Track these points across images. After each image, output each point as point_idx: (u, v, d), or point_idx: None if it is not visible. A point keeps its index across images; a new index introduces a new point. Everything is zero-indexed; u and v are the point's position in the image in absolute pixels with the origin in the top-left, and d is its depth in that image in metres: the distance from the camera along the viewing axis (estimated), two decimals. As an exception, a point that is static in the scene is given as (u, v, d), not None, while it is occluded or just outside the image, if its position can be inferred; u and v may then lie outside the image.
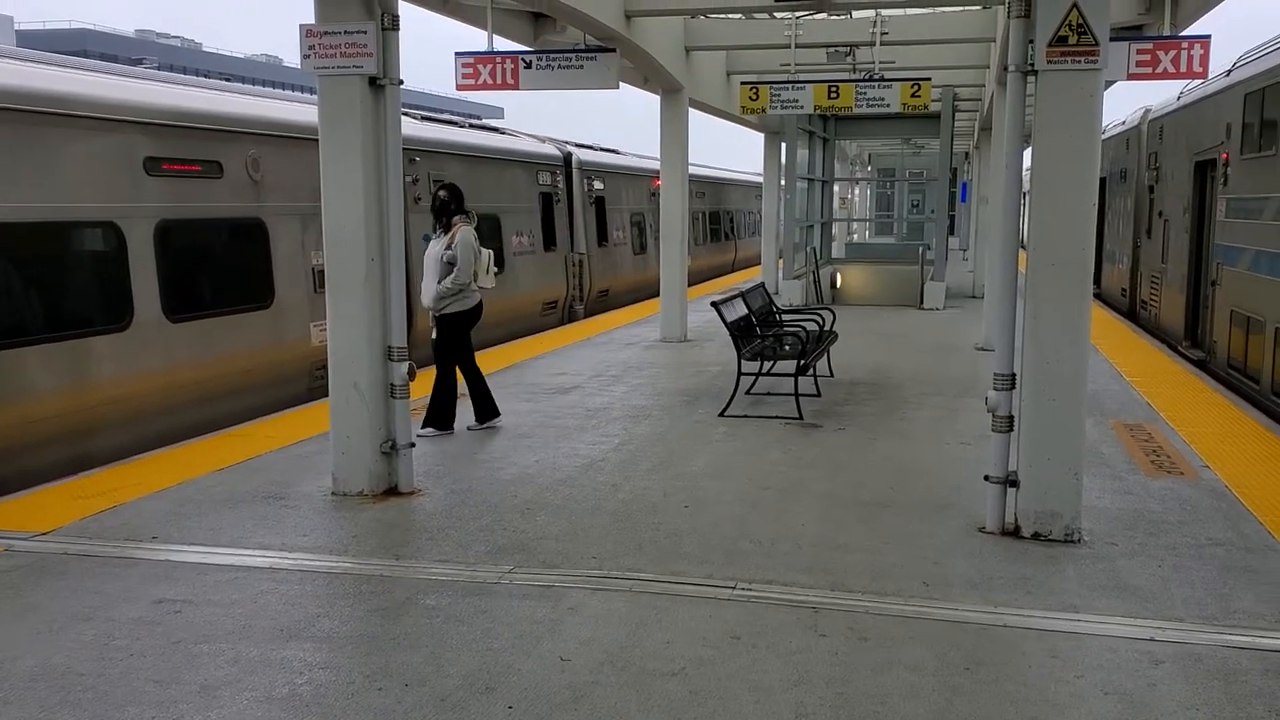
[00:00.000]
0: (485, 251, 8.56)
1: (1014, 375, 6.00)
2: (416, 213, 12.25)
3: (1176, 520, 6.26)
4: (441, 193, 8.48)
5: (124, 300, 8.43)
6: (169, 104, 9.11)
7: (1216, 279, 13.29)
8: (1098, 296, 21.69)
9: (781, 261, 20.57)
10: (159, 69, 12.24)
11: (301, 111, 10.72)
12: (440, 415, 8.64)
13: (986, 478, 6.08)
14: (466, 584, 5.29)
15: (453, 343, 8.58)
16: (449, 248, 8.32)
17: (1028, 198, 6.24)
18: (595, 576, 5.38)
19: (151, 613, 4.92)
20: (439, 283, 8.32)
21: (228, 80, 12.63)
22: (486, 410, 8.87)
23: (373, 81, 6.61)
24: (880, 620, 4.83)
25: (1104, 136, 21.90)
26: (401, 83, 6.75)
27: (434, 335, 8.60)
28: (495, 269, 8.69)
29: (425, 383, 10.78)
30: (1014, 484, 5.99)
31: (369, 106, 6.63)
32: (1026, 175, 6.21)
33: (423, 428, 8.47)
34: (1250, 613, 4.91)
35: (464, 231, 8.37)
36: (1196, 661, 4.40)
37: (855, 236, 32.68)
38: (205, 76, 12.84)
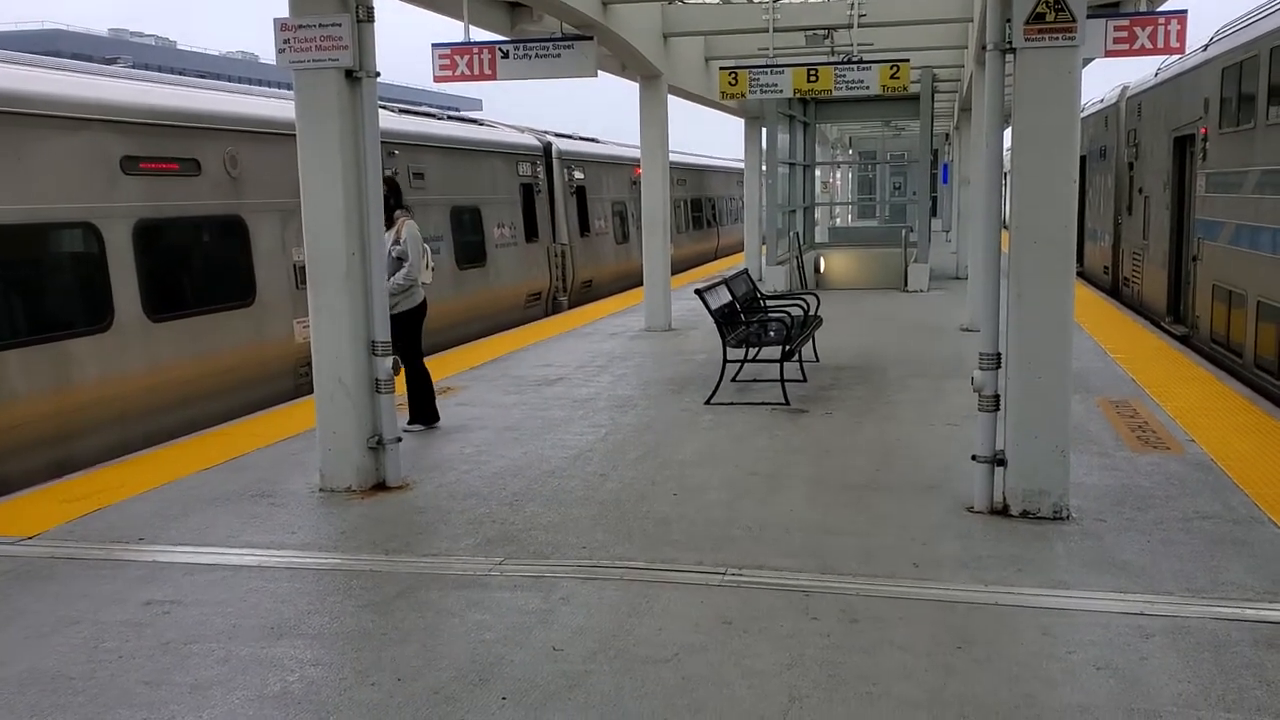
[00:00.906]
0: (425, 245, 8.42)
1: (999, 355, 6.01)
2: (397, 206, 12.18)
3: (1163, 495, 6.29)
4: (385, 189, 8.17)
5: (104, 301, 8.37)
6: (145, 102, 9.03)
7: (1197, 254, 13.35)
8: (1080, 275, 21.76)
9: (765, 248, 20.56)
10: (134, 68, 12.11)
11: (279, 107, 10.65)
12: (423, 409, 8.54)
13: (974, 457, 6.09)
14: (457, 577, 5.28)
15: (407, 341, 8.24)
16: (396, 242, 8.07)
17: (1009, 177, 6.24)
18: (586, 566, 5.37)
19: (140, 614, 4.89)
20: (389, 279, 7.77)
21: (204, 78, 12.53)
22: (425, 413, 8.54)
23: (349, 74, 6.57)
24: (871, 602, 4.84)
25: (1083, 115, 21.93)
26: (378, 75, 6.70)
27: None
28: (433, 265, 8.55)
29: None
30: (1001, 463, 6.00)
31: (346, 100, 6.58)
32: (1007, 155, 6.22)
33: (409, 424, 8.40)
34: (1239, 584, 4.93)
35: (409, 225, 8.15)
36: (1186, 634, 4.43)
37: (838, 220, 32.72)
38: (181, 75, 12.73)
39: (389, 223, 8.01)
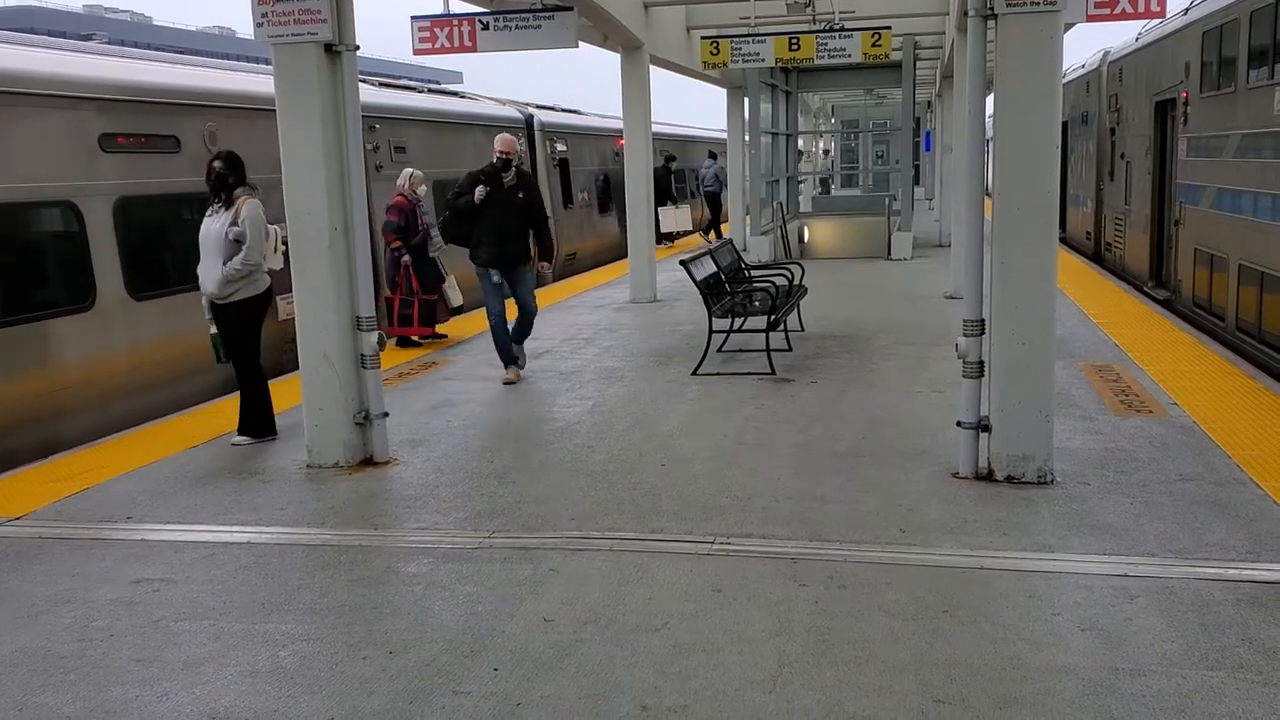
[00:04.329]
0: (273, 227, 7.42)
1: (983, 321, 6.03)
2: (378, 180, 12.12)
3: (1147, 458, 6.35)
4: (216, 163, 7.29)
5: (85, 280, 8.31)
6: (123, 79, 8.94)
7: (1179, 218, 13.40)
8: (1063, 241, 21.83)
9: (749, 218, 20.54)
10: (109, 44, 11.97)
11: (259, 82, 10.55)
12: (256, 419, 7.55)
13: (959, 423, 6.13)
14: (447, 550, 5.29)
15: (245, 335, 7.41)
16: (234, 223, 7.18)
17: (991, 144, 6.25)
18: (575, 538, 5.40)
19: (130, 593, 4.89)
20: (224, 265, 7.18)
21: (181, 54, 12.39)
22: (261, 423, 7.55)
23: (328, 48, 6.51)
24: (859, 568, 4.88)
25: (1065, 80, 21.95)
26: (358, 48, 6.65)
27: (212, 330, 7.46)
28: (284, 246, 7.33)
29: (394, 354, 10.75)
30: (986, 429, 6.04)
31: (326, 74, 6.53)
32: (990, 122, 6.22)
33: (238, 435, 7.52)
34: (1222, 545, 4.99)
35: (250, 204, 7.23)
36: (1170, 595, 4.48)
37: (816, 190, 32.63)
38: (158, 51, 12.58)
39: (229, 201, 7.25)
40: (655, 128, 15.69)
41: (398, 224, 10.83)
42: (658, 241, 22.58)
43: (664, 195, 22.85)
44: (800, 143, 26.07)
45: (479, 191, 8.93)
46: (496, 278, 9.12)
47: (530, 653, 4.16)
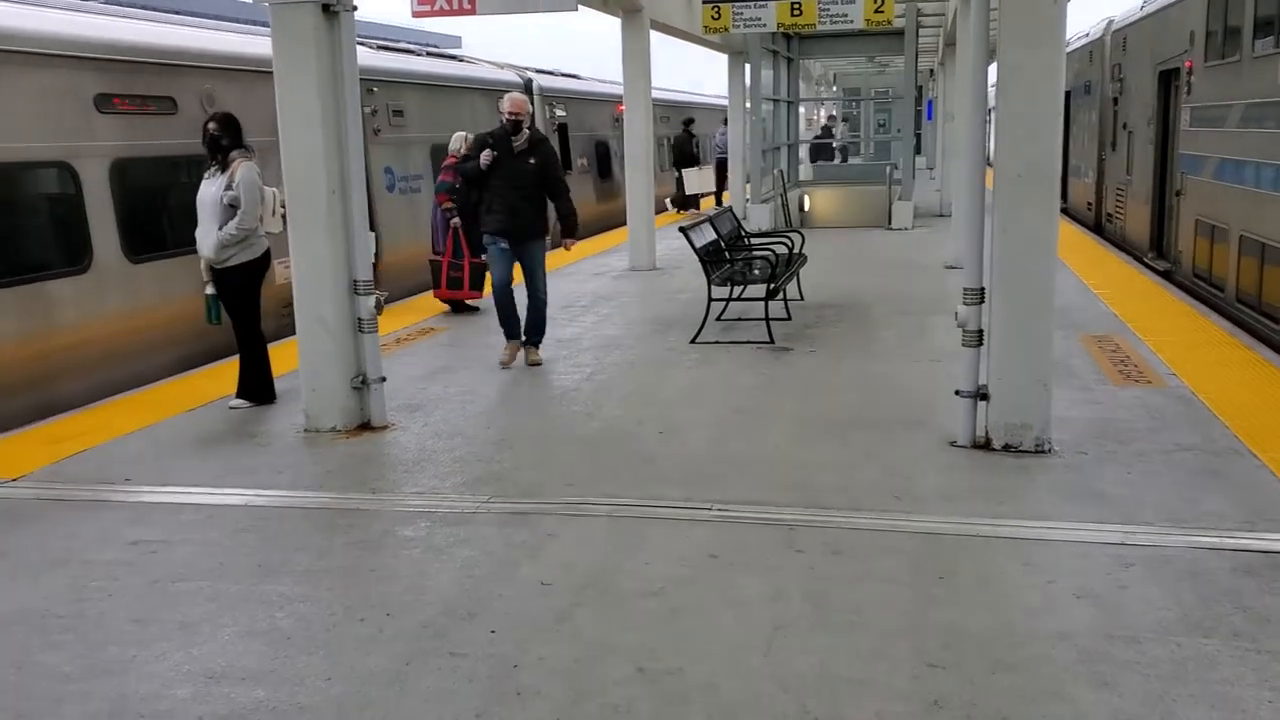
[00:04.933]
0: (270, 190, 7.30)
1: (983, 290, 6.02)
2: (376, 144, 12.05)
3: (1145, 428, 6.35)
4: (211, 125, 7.20)
5: (82, 242, 8.28)
6: (119, 39, 8.86)
7: (1181, 189, 13.34)
8: (1064, 211, 21.76)
9: (749, 185, 20.45)
10: (107, 3, 11.87)
11: (256, 44, 10.46)
12: (255, 383, 7.54)
13: (957, 392, 6.13)
14: (445, 514, 5.30)
15: (243, 300, 7.38)
16: (229, 187, 7.10)
17: (993, 113, 6.20)
18: (573, 503, 5.40)
19: (128, 554, 4.90)
20: (220, 229, 7.13)
21: (178, 14, 12.30)
22: (260, 388, 7.54)
23: (326, 8, 6.45)
24: (855, 535, 4.89)
25: (1068, 49, 21.80)
26: (355, 9, 6.59)
27: (208, 291, 7.41)
28: (283, 209, 7.21)
29: (391, 319, 10.72)
30: (984, 397, 6.04)
31: (323, 34, 6.47)
32: (992, 91, 6.17)
33: (236, 398, 7.51)
34: (1218, 514, 5.00)
35: (245, 168, 7.11)
36: (1166, 563, 4.49)
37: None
38: (154, 10, 12.45)
39: (223, 165, 7.19)
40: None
41: (452, 184, 10.58)
42: (684, 206, 22.71)
43: (687, 159, 22.93)
44: (802, 109, 25.92)
45: (485, 156, 8.18)
46: (505, 243, 8.35)
47: (527, 616, 4.17)
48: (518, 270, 8.52)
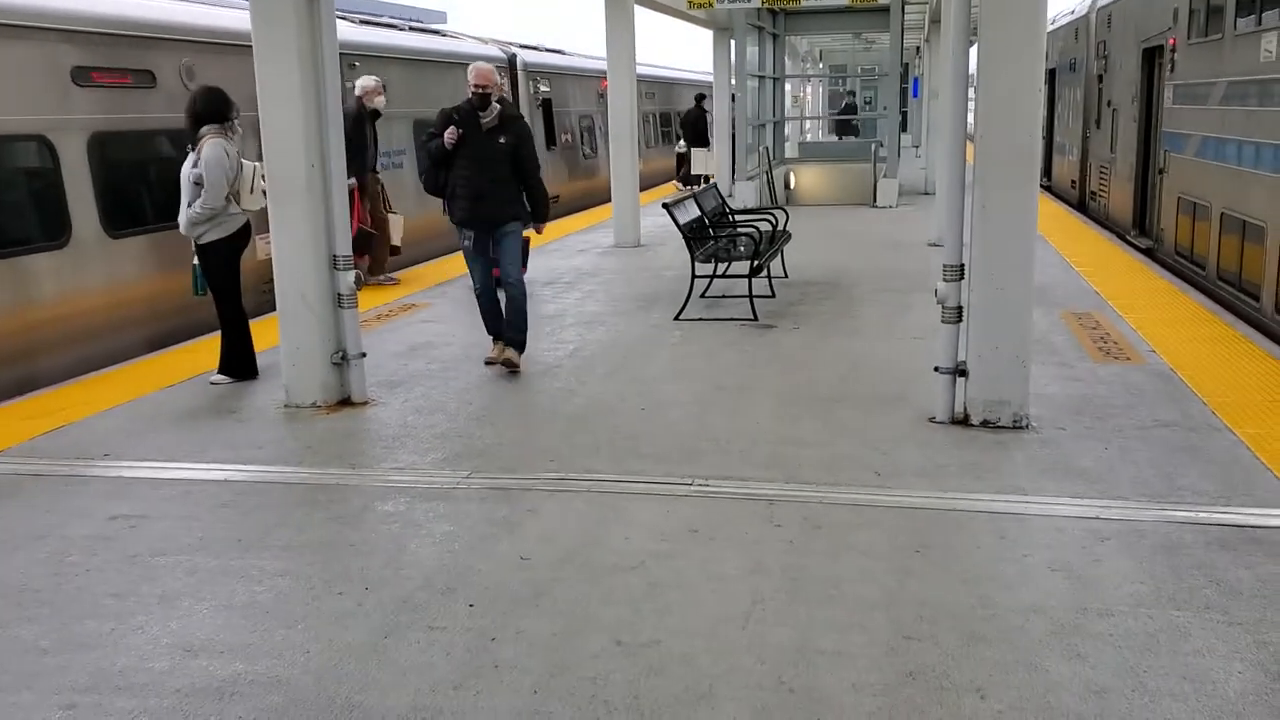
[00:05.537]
0: (251, 165, 7.17)
1: (963, 266, 6.03)
2: (360, 120, 11.95)
3: (1123, 404, 6.38)
4: (196, 100, 7.19)
5: (60, 217, 8.21)
6: (97, 11, 8.77)
7: (1164, 166, 13.38)
8: (1049, 189, 21.79)
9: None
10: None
11: (236, 17, 10.37)
12: (236, 359, 7.47)
13: (936, 369, 6.15)
14: (424, 490, 5.30)
15: (220, 276, 7.30)
16: (195, 164, 7.02)
17: (975, 91, 6.19)
18: (553, 479, 5.41)
19: (106, 529, 4.89)
20: (189, 206, 7.08)
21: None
22: (242, 364, 7.46)
23: (305, -19, 6.39)
24: (833, 509, 4.91)
25: (1053, 27, 21.79)
26: (336, -18, 6.54)
27: (194, 262, 7.38)
28: (261, 187, 7.08)
29: (373, 295, 10.69)
30: (963, 374, 6.06)
31: (303, 9, 6.41)
32: (975, 69, 6.16)
33: (217, 374, 7.45)
34: (1193, 489, 5.04)
35: (209, 145, 6.97)
36: (1140, 537, 4.53)
37: (809, 136, 32.45)
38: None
39: (195, 141, 7.10)
40: (641, 69, 15.50)
41: None
42: (689, 181, 22.65)
43: (700, 136, 22.73)
44: (788, 86, 25.85)
45: (449, 134, 7.21)
46: (468, 241, 7.47)
47: (506, 590, 4.19)
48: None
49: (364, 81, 10.91)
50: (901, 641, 3.72)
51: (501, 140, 7.30)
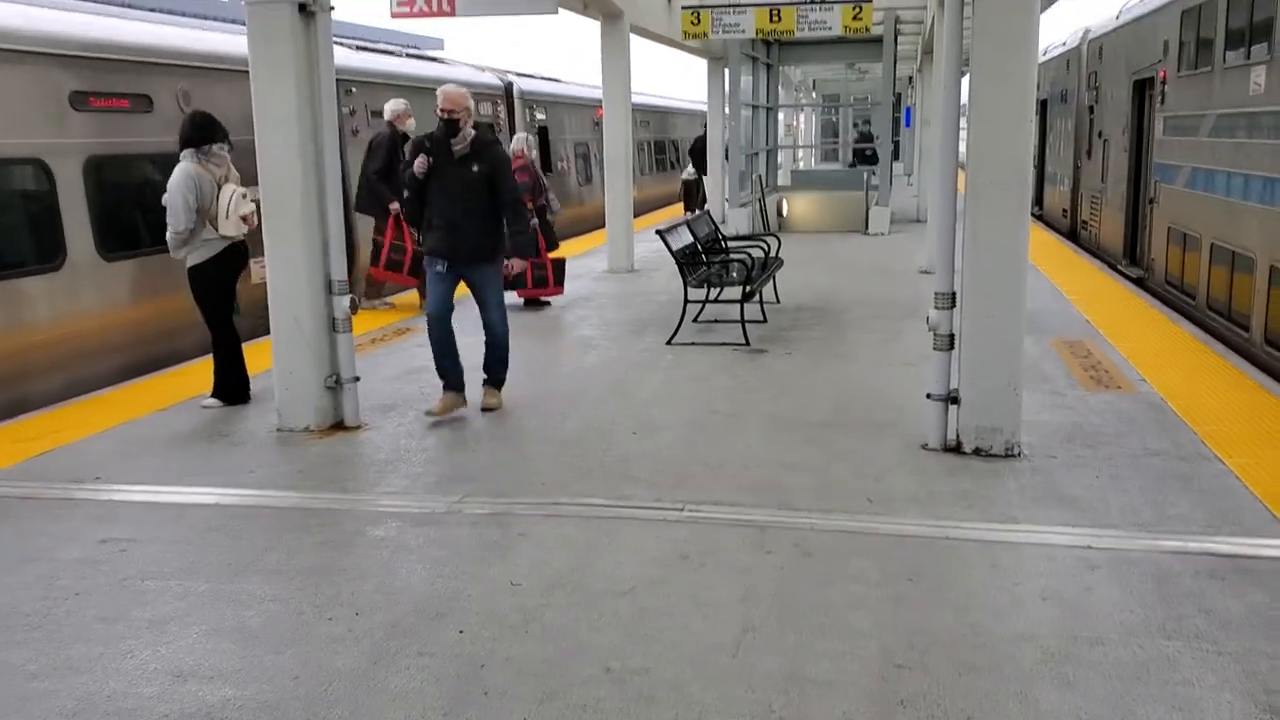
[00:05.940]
0: (231, 189, 7.05)
1: (954, 294, 6.06)
2: (355, 145, 12.02)
3: (1114, 432, 6.41)
4: (184, 125, 7.20)
5: (55, 239, 8.23)
6: (95, 36, 8.82)
7: (1154, 197, 13.48)
8: (1040, 218, 21.91)
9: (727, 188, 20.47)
10: (83, 0, 11.82)
11: (233, 43, 10.43)
12: (228, 383, 7.45)
13: (928, 396, 6.17)
14: (415, 515, 5.30)
15: (204, 301, 7.28)
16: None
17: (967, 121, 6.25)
18: (544, 503, 5.41)
19: (97, 552, 4.88)
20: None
21: (154, 11, 12.31)
22: (235, 389, 7.43)
23: (302, 8, 6.44)
24: (825, 536, 4.92)
25: (1045, 58, 21.97)
26: (333, 9, 6.58)
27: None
28: (250, 210, 7.05)
29: (367, 319, 10.70)
30: (955, 401, 6.08)
31: (300, 34, 6.46)
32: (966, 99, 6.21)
33: (210, 397, 7.44)
34: (1184, 518, 5.05)
35: (176, 169, 6.97)
36: (1131, 566, 4.54)
37: (801, 164, 32.62)
38: (129, 8, 12.43)
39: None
40: (636, 98, 15.60)
41: (530, 185, 10.81)
42: (695, 208, 22.68)
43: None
44: (781, 115, 26.00)
45: (419, 163, 6.82)
46: (441, 267, 6.96)
47: (496, 616, 4.18)
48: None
49: (394, 105, 10.97)
50: (892, 670, 3.72)
51: (475, 168, 6.85)
